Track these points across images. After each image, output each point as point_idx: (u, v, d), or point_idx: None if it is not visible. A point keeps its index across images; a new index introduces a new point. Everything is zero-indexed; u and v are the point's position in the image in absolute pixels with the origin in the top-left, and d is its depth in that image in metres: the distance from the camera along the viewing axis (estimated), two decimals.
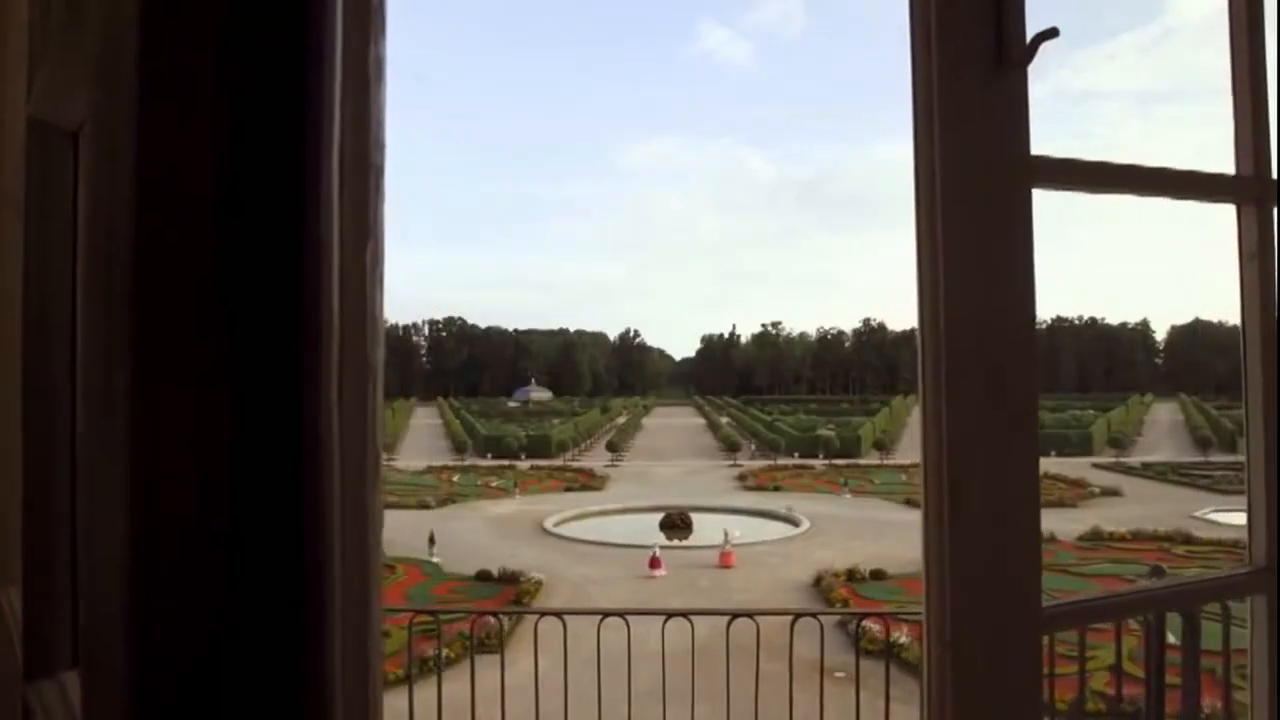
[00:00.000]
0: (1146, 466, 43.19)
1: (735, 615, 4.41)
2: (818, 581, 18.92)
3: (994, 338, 0.95)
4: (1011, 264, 0.95)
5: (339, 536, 0.44)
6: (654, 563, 20.53)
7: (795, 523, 27.33)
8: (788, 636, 4.60)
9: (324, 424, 0.44)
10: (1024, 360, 0.95)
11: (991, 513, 0.96)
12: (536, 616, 15.29)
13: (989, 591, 0.95)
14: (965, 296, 0.94)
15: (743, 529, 24.64)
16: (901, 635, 13.93)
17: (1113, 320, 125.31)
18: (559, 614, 4.48)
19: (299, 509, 0.43)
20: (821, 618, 16.82)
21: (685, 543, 24.13)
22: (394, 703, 4.51)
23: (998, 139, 0.93)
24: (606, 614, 4.27)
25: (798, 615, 5.35)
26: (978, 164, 0.92)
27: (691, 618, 4.39)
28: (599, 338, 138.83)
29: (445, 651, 13.09)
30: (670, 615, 4.44)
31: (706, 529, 27.83)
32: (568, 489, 37.82)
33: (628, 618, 4.29)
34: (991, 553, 0.96)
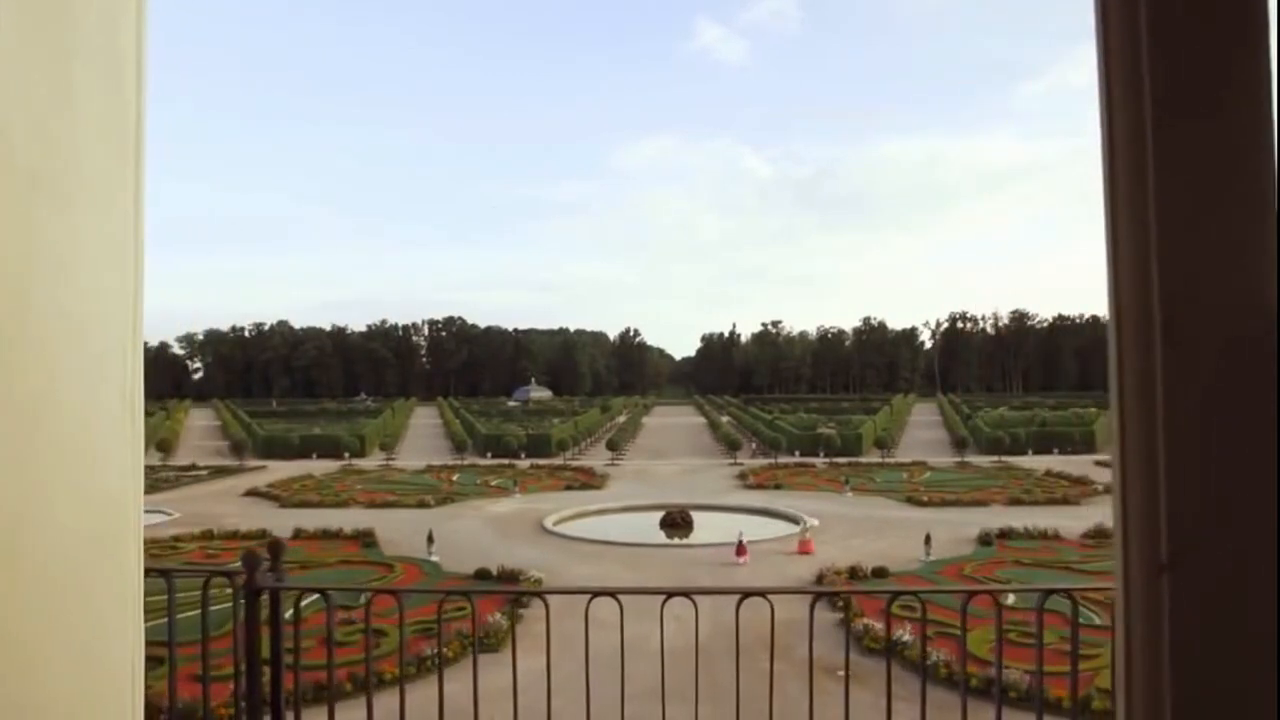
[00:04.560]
0: None
1: (746, 594, 3.74)
2: (819, 579, 18.78)
3: (1221, 131, 0.75)
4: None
5: None
6: (740, 550, 21.48)
7: (797, 520, 27.16)
8: (790, 632, 4.39)
9: None
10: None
11: (1224, 375, 0.73)
12: (535, 613, 15.05)
13: (1223, 498, 0.72)
14: (1183, 69, 0.75)
15: (744, 527, 24.55)
16: (904, 633, 13.78)
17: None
18: (540, 594, 4.15)
19: None
20: (825, 610, 16.45)
21: (766, 535, 24.96)
22: (388, 702, 4.33)
23: None
24: (597, 593, 3.66)
25: (819, 595, 5.04)
26: None
27: (694, 597, 3.75)
28: (599, 337, 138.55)
29: (443, 651, 12.92)
30: (670, 595, 3.79)
31: (709, 527, 27.67)
32: (568, 488, 37.65)
33: (620, 597, 3.74)
34: (1223, 441, 0.73)
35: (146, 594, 3.53)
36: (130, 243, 1.58)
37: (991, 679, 11.62)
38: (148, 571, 3.45)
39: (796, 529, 25.81)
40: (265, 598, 3.45)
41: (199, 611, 3.64)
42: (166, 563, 18.04)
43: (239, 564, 3.54)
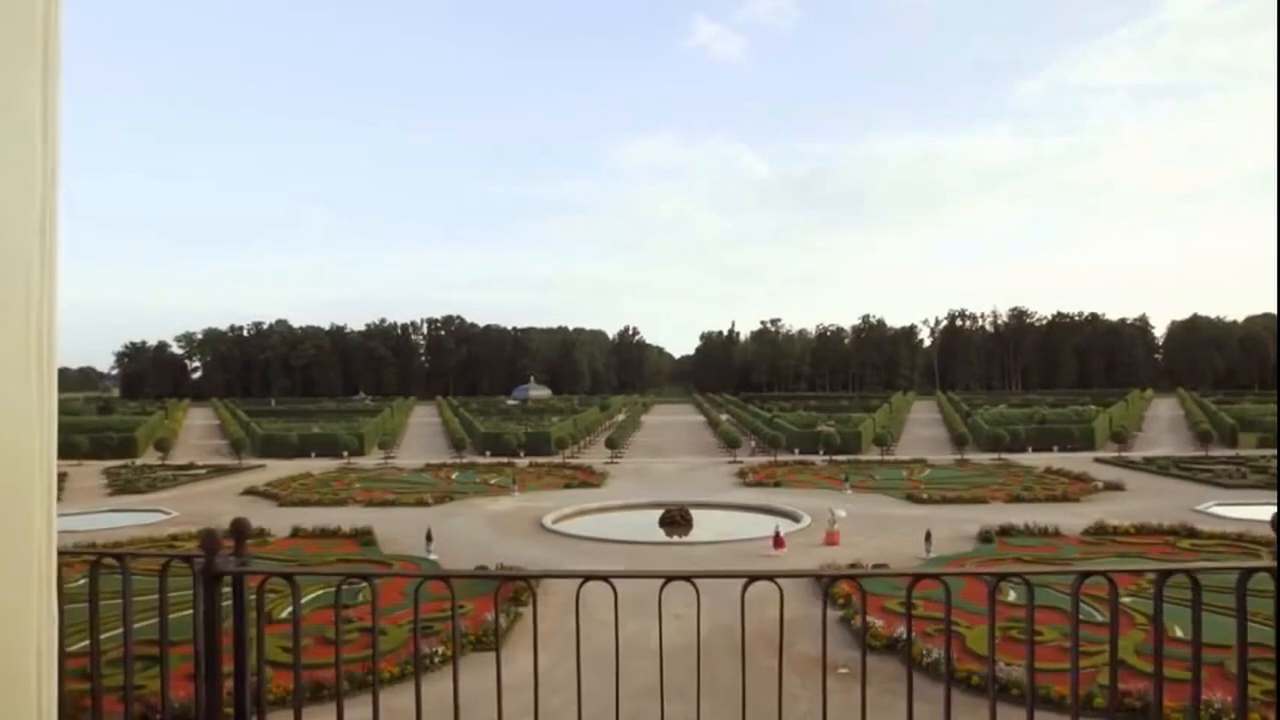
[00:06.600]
0: (1148, 461, 42.98)
1: (753, 578, 3.49)
2: (819, 577, 18.80)
3: None
4: None
5: None
6: (778, 542, 22.19)
7: (797, 518, 27.12)
8: (791, 629, 4.27)
9: None
10: None
11: None
12: (531, 612, 15.03)
13: None
14: None
15: (743, 525, 24.55)
16: (902, 630, 13.72)
17: (1112, 316, 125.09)
18: (527, 578, 4.03)
19: None
20: (830, 608, 16.49)
21: (798, 527, 25.48)
22: (386, 700, 4.24)
23: None
24: (589, 577, 3.42)
25: (834, 579, 4.89)
26: None
27: (695, 581, 3.46)
28: (598, 335, 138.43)
29: (441, 650, 12.86)
30: (670, 579, 3.58)
31: (708, 525, 27.61)
32: (567, 486, 37.57)
33: (615, 585, 3.47)
34: None
35: (105, 591, 3.37)
36: (37, 159, 1.37)
37: (991, 676, 11.59)
38: (102, 557, 3.34)
39: (798, 526, 25.79)
40: (228, 584, 3.11)
41: (196, 609, 3.47)
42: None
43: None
